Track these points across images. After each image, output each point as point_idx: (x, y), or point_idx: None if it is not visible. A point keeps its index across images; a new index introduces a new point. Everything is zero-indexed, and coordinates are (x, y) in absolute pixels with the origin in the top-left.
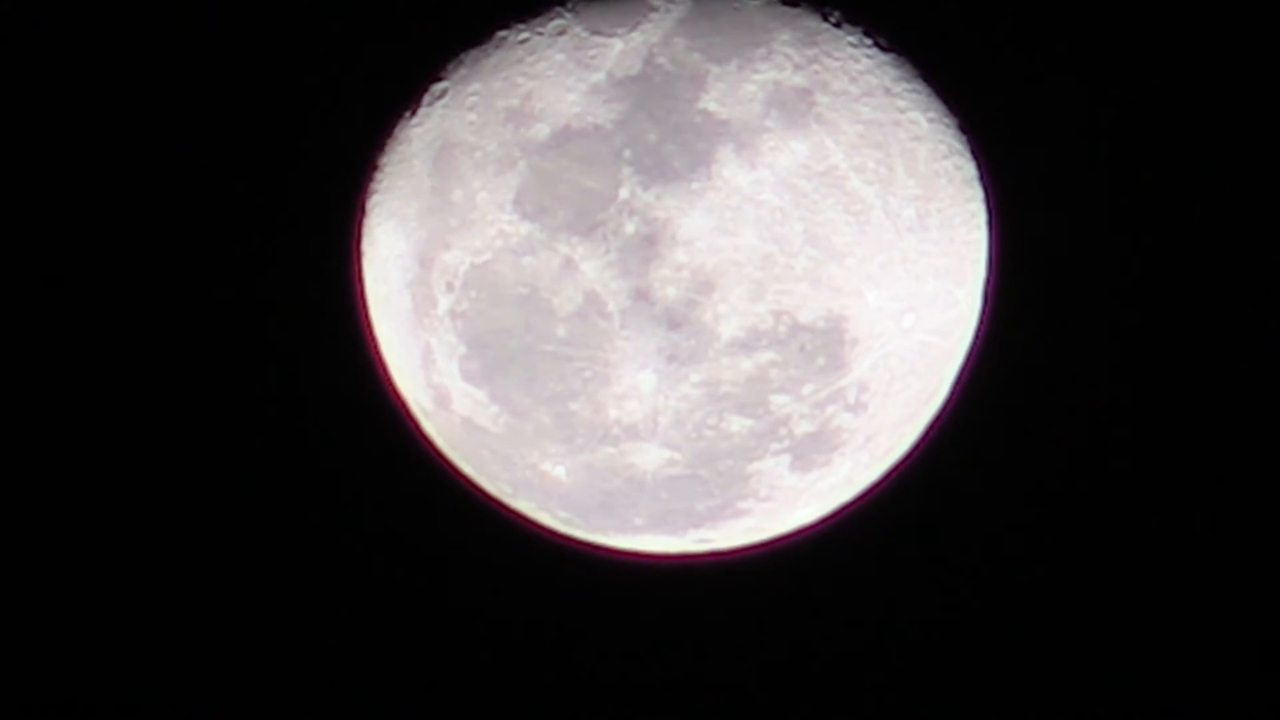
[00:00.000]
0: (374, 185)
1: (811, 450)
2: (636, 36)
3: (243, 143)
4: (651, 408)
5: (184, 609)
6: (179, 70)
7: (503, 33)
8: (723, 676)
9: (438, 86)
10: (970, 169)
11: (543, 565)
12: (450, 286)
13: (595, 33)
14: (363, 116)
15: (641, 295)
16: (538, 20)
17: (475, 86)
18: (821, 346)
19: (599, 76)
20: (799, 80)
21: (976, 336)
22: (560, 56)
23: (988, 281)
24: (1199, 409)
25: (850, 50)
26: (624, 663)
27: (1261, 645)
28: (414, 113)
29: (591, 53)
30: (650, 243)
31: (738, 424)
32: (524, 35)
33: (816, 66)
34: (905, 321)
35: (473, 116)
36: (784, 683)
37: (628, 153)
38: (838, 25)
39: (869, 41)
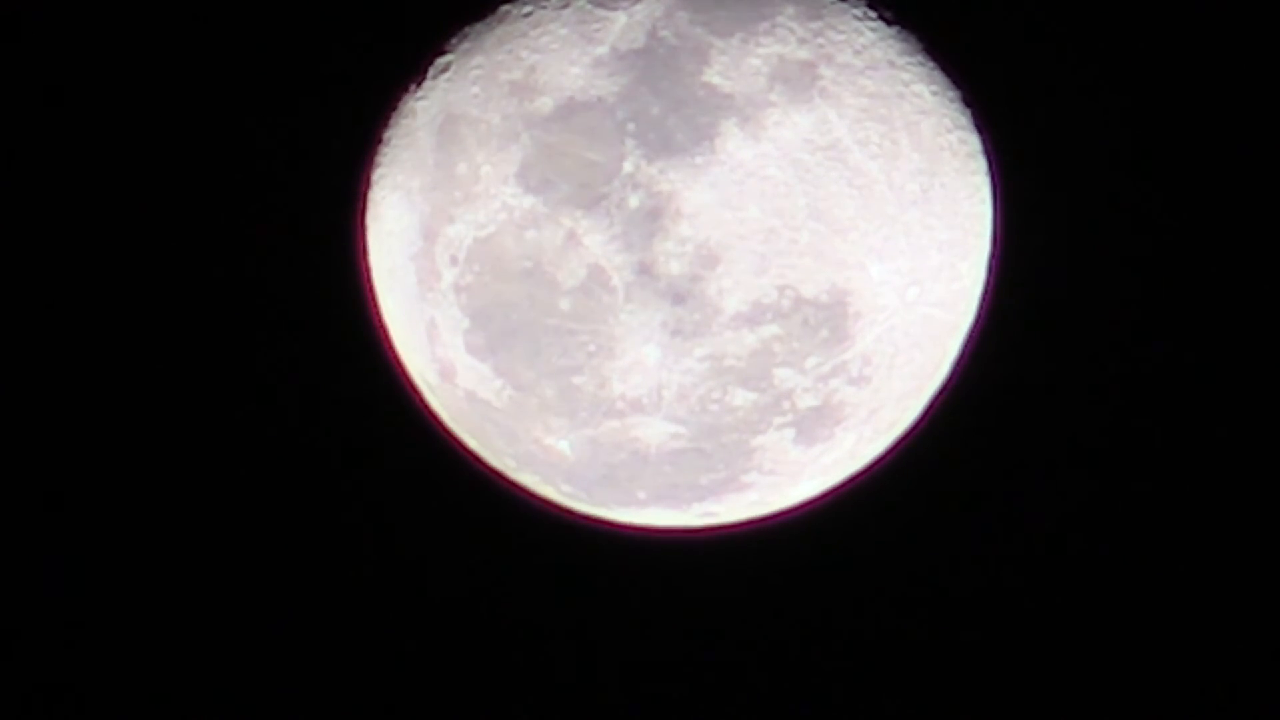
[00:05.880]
0: (378, 159)
1: (815, 424)
2: (640, 10)
3: (249, 117)
4: (655, 382)
5: (188, 582)
6: (185, 46)
7: (506, 6)
8: (726, 650)
9: (442, 60)
10: (974, 142)
11: (546, 539)
12: (454, 260)
13: (599, 6)
14: (367, 90)
15: (645, 269)
16: None
17: (479, 60)
18: (825, 320)
19: (602, 50)
20: (803, 54)
21: (980, 309)
22: (564, 30)
23: (991, 255)
24: (1203, 381)
25: (855, 24)
26: (627, 636)
27: (1257, 605)
28: (418, 86)
29: (595, 26)
30: (654, 216)
31: (741, 398)
32: (527, 9)
33: (821, 40)
34: (909, 295)
35: (476, 90)
36: (787, 657)
37: (631, 126)
38: None
39: (873, 15)
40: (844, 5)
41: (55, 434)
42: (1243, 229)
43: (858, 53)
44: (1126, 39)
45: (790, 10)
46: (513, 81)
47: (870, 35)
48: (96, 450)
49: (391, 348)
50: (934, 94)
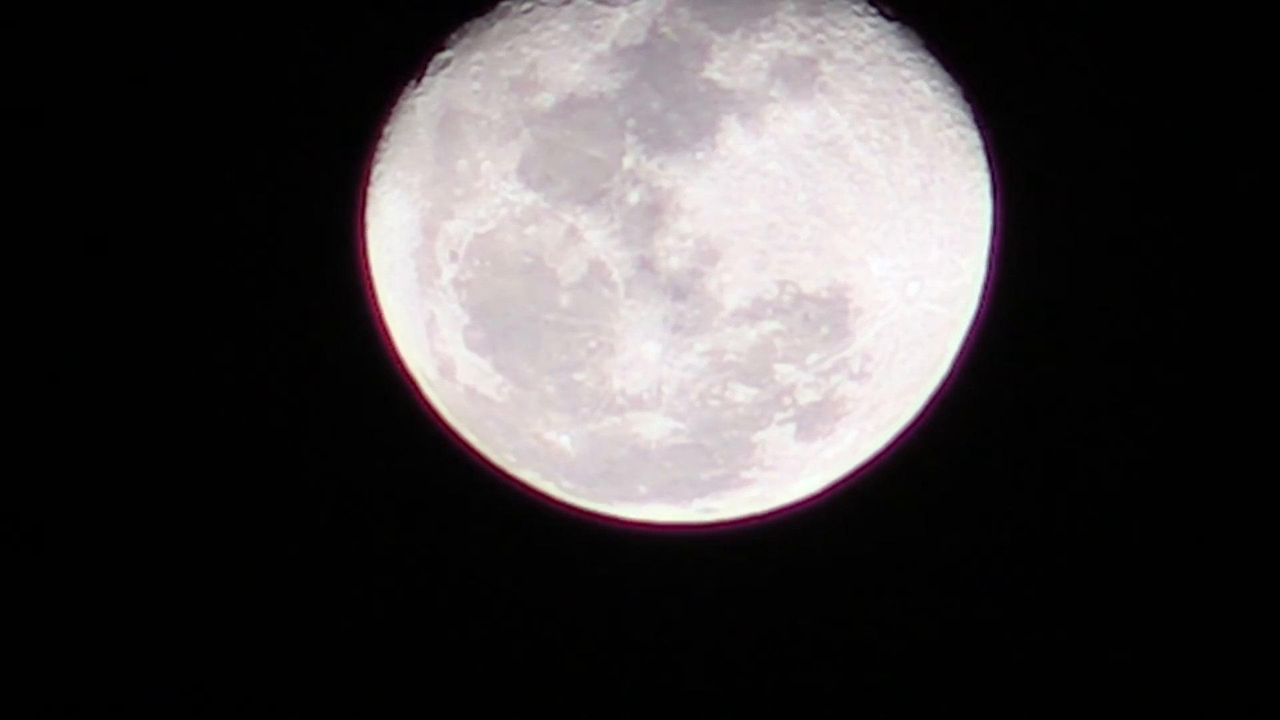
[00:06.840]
0: (379, 154)
1: (816, 420)
2: (641, 6)
3: (248, 114)
4: (656, 377)
5: (187, 579)
6: (185, 42)
7: (507, 2)
8: (726, 646)
9: (442, 56)
10: (974, 138)
11: (547, 535)
12: (454, 256)
13: (600, 2)
14: (367, 86)
15: (646, 265)
16: None
17: (479, 56)
18: (826, 316)
19: (603, 46)
20: (804, 49)
21: (980, 305)
22: (564, 26)
23: (991, 250)
24: (1204, 378)
25: (855, 19)
26: (628, 632)
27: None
28: (418, 82)
29: (596, 22)
30: (655, 212)
31: (742, 393)
32: (528, 5)
33: (821, 35)
34: (909, 290)
35: (477, 85)
36: (787, 652)
37: (632, 122)
38: None
39: (874, 10)
40: (844, 1)
41: (55, 433)
42: (1243, 225)
43: (858, 48)
44: (1127, 34)
45: (790, 6)
46: (513, 77)
47: (870, 31)
48: (95, 448)
49: (391, 343)
50: (934, 89)
